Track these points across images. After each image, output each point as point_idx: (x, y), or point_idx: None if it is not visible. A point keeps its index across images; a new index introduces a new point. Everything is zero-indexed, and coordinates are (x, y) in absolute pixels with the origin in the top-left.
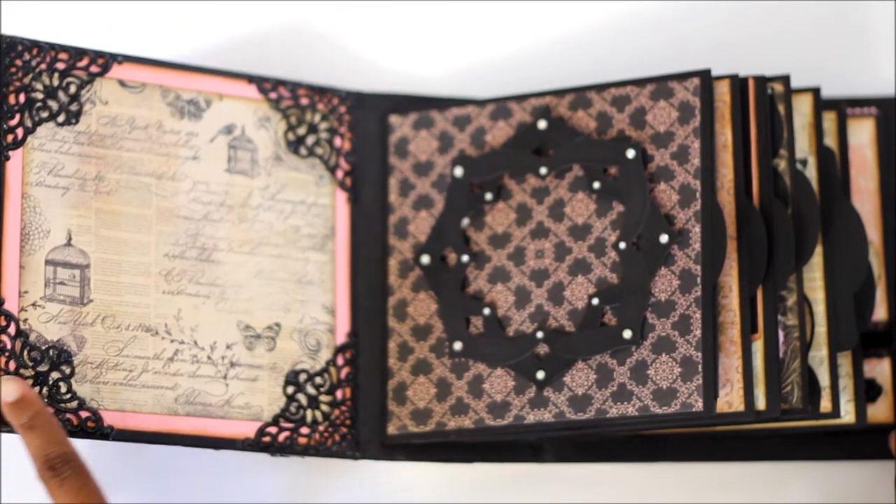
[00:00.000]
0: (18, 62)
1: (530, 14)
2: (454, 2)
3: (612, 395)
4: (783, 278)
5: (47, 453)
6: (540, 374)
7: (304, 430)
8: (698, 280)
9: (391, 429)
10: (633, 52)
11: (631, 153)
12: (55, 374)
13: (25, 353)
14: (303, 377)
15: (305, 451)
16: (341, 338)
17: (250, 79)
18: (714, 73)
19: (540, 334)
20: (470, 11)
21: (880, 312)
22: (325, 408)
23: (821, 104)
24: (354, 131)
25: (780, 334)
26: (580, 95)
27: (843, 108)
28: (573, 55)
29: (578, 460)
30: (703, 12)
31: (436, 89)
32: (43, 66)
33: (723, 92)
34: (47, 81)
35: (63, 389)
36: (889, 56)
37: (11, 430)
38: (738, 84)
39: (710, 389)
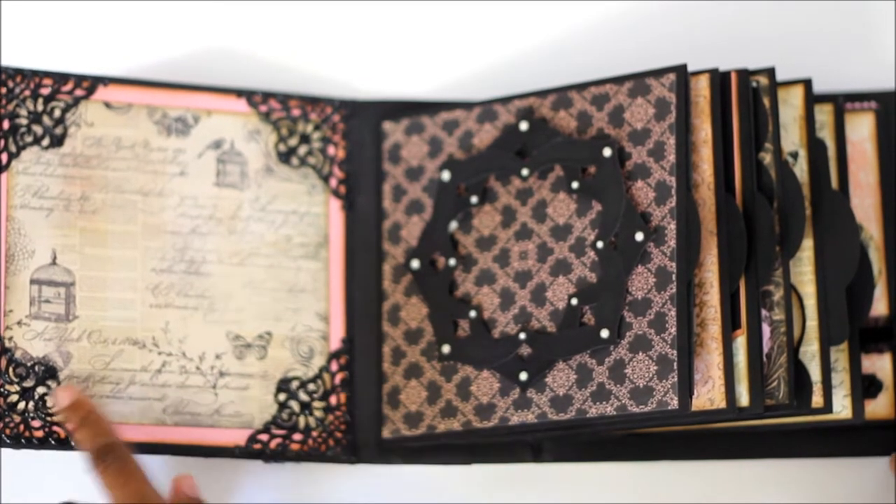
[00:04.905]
0: (2, 90)
1: (518, 18)
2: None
3: (591, 395)
4: (765, 273)
5: (94, 445)
6: (523, 376)
7: (297, 437)
8: (673, 277)
9: (385, 432)
10: (632, 52)
11: (607, 152)
12: (41, 389)
13: (11, 369)
14: (295, 384)
15: (300, 457)
16: (335, 344)
17: (239, 93)
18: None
19: (522, 335)
20: (456, 19)
21: (881, 307)
22: (318, 413)
23: (812, 96)
24: (348, 139)
25: (767, 330)
26: (562, 95)
27: (840, 101)
28: (567, 56)
29: (577, 460)
30: (705, 8)
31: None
32: (27, 92)
33: (703, 87)
34: (31, 107)
35: (49, 404)
36: (889, 50)
37: (13, 446)
38: (718, 78)
39: (686, 387)
